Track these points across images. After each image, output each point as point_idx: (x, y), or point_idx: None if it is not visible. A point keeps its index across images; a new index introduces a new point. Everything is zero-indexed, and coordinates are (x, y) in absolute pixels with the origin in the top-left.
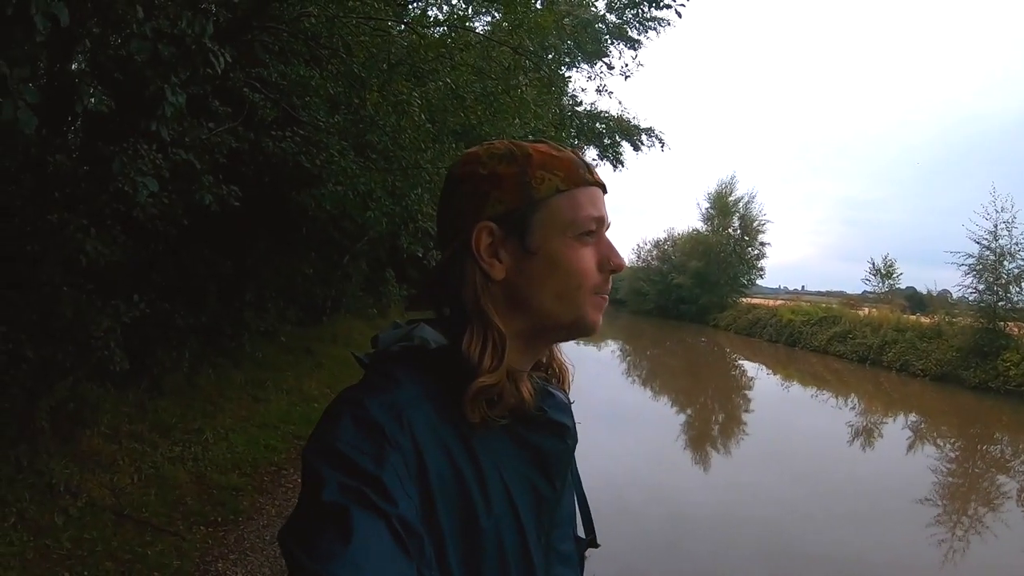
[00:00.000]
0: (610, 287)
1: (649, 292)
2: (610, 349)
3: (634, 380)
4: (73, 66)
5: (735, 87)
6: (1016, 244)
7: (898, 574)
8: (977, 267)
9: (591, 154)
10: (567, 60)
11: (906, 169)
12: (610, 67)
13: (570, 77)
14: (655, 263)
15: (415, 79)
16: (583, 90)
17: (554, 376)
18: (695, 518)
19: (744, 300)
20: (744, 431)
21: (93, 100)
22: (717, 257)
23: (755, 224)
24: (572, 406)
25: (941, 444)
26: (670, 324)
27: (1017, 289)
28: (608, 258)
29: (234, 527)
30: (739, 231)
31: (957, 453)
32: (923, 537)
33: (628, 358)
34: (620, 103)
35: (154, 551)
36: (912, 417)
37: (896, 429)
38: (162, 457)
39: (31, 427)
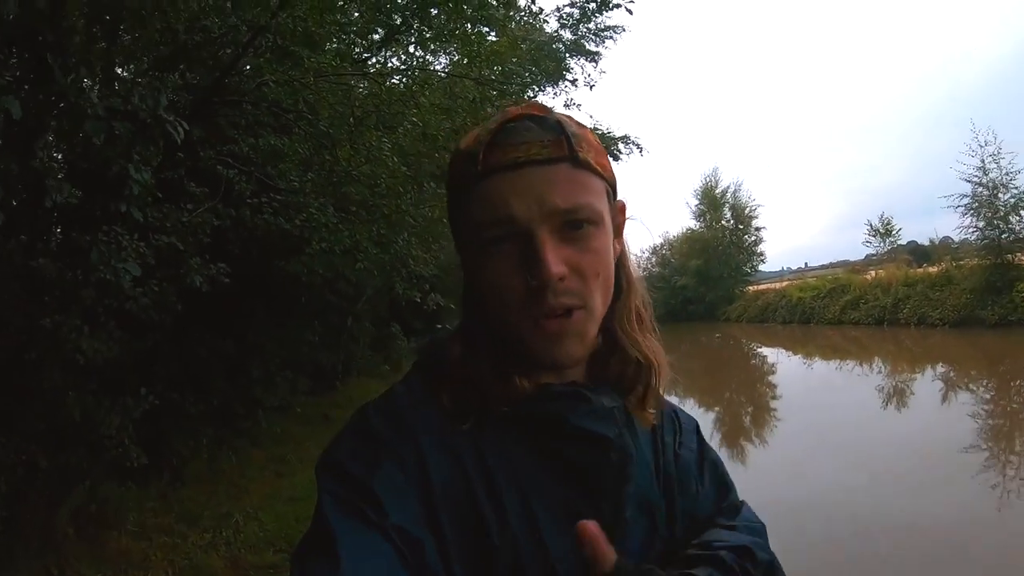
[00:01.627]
0: (552, 307)
1: (655, 299)
2: None
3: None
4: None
5: (707, 81)
6: (1007, 175)
7: (962, 527)
8: (973, 205)
9: None
10: (530, 81)
11: (891, 131)
12: (573, 82)
13: (535, 97)
14: (656, 269)
15: (383, 128)
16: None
17: (625, 382)
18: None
19: (750, 288)
20: (776, 418)
21: (62, 195)
22: (716, 251)
23: (747, 211)
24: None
25: (974, 388)
26: (681, 326)
27: (1017, 218)
28: (527, 270)
29: None
30: (732, 221)
31: (992, 393)
32: (975, 485)
33: None
34: (591, 116)
35: None
36: (940, 368)
37: (926, 383)
38: (193, 546)
39: (55, 535)
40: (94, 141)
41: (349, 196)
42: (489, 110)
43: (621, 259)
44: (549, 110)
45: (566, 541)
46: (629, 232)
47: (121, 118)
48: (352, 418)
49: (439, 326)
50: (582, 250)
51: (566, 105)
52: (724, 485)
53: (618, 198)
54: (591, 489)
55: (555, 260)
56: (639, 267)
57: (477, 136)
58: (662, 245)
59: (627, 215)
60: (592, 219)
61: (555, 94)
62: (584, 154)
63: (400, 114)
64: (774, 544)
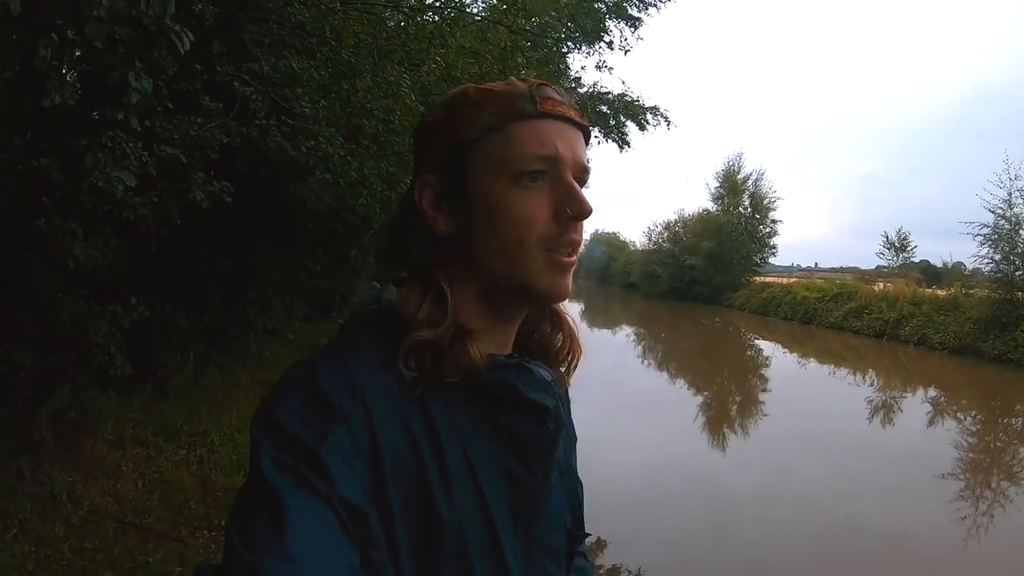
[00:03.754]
0: (573, 241)
1: (662, 275)
2: (624, 334)
3: (650, 364)
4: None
5: (745, 64)
6: None
7: (929, 549)
8: (992, 237)
9: (593, 133)
10: (564, 37)
11: (927, 148)
12: (609, 45)
13: (568, 55)
14: (667, 245)
15: (408, 64)
16: (583, 68)
17: (556, 353)
18: (736, 500)
19: (757, 279)
20: (765, 411)
21: (61, 95)
22: (729, 236)
23: (765, 201)
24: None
25: (961, 418)
26: (684, 306)
27: None
28: (565, 204)
29: None
30: (749, 209)
31: (978, 427)
32: (946, 512)
33: (643, 342)
34: (623, 82)
35: (156, 558)
36: (932, 392)
37: (916, 404)
38: (167, 461)
39: (32, 437)
40: (95, 44)
41: (362, 128)
42: (520, 60)
43: None
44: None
45: (507, 505)
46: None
47: (124, 23)
48: (295, 374)
49: (374, 283)
50: None
51: (598, 67)
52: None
53: None
54: (526, 455)
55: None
56: (651, 239)
57: (513, 84)
58: (676, 222)
59: None
60: (587, 184)
61: (588, 53)
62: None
63: (426, 50)
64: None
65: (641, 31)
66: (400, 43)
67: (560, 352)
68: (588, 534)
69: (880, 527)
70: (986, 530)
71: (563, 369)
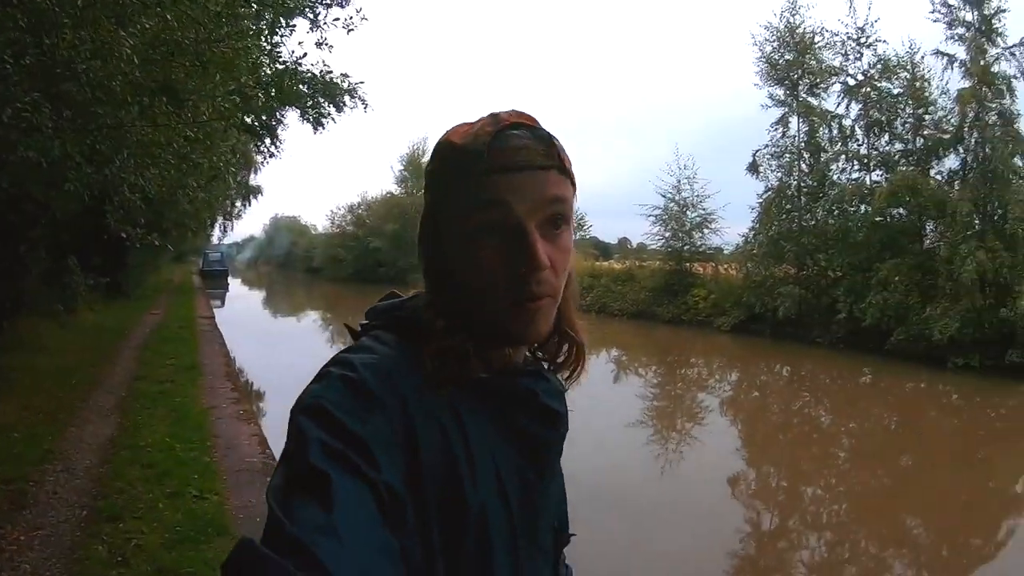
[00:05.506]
0: (533, 292)
1: (346, 258)
2: (310, 319)
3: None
4: None
5: (433, 50)
6: (697, 196)
7: (629, 485)
8: (664, 217)
9: (293, 116)
10: (293, 6)
11: (595, 135)
12: (313, 21)
13: (277, 27)
14: (351, 228)
15: (116, 20)
16: (300, 42)
17: (562, 362)
18: None
19: None
20: None
21: None
22: (413, 218)
23: None
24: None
25: (644, 373)
26: (370, 288)
27: (700, 235)
28: (518, 261)
29: None
30: None
31: (660, 379)
32: (644, 454)
33: (331, 327)
34: (323, 61)
35: None
36: (615, 352)
37: (601, 364)
38: None
39: None
40: None
41: (67, 95)
42: (227, 28)
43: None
44: (537, 121)
45: (519, 504)
46: None
47: None
48: (334, 366)
49: (395, 291)
50: (558, 248)
51: (318, 44)
52: None
53: None
54: (538, 458)
55: (543, 253)
56: (334, 224)
57: (476, 134)
58: (359, 205)
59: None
60: (567, 219)
61: (310, 28)
62: (567, 164)
63: (138, 5)
64: None
65: (365, 12)
66: None
67: (566, 362)
68: (573, 534)
69: (576, 471)
70: (677, 465)
71: (565, 377)
